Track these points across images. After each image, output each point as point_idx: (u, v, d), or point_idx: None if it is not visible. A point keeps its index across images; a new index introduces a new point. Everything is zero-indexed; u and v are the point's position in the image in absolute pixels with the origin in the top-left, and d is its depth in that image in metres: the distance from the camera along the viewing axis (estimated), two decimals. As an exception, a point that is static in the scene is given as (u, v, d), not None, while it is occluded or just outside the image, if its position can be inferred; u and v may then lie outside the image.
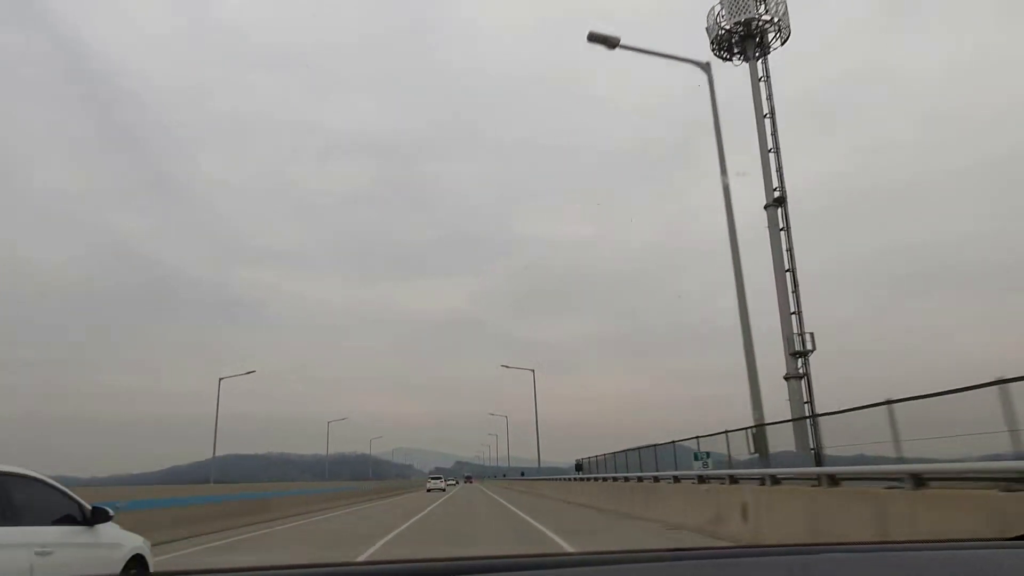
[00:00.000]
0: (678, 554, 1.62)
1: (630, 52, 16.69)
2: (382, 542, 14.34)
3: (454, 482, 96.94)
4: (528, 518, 20.97)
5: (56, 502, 5.87)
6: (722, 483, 14.72)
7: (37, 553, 5.16)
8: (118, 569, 6.29)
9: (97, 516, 6.19)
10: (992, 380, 7.57)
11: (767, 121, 28.98)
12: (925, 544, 1.68)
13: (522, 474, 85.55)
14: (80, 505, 6.10)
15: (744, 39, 30.30)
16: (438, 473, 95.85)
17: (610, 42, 16.13)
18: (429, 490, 58.37)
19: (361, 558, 11.75)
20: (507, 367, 54.92)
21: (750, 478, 13.57)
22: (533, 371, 54.41)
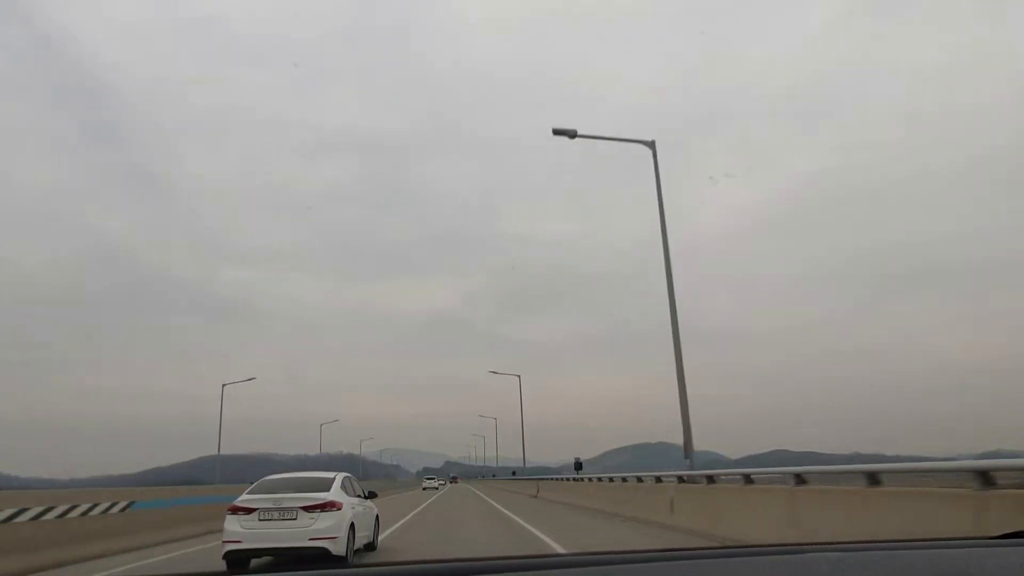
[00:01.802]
0: (672, 554, 1.68)
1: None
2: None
3: (443, 482, 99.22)
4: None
5: (358, 488, 12.87)
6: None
7: (364, 509, 12.62)
8: (373, 519, 13.38)
9: (370, 496, 13.44)
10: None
11: None
12: (912, 543, 1.75)
13: (513, 473, 75.74)
14: (363, 489, 13.25)
15: None
16: (428, 474, 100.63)
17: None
18: (424, 488, 69.54)
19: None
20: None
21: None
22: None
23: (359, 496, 12.59)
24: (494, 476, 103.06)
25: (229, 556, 10.53)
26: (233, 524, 10.67)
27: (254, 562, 10.83)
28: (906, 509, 8.45)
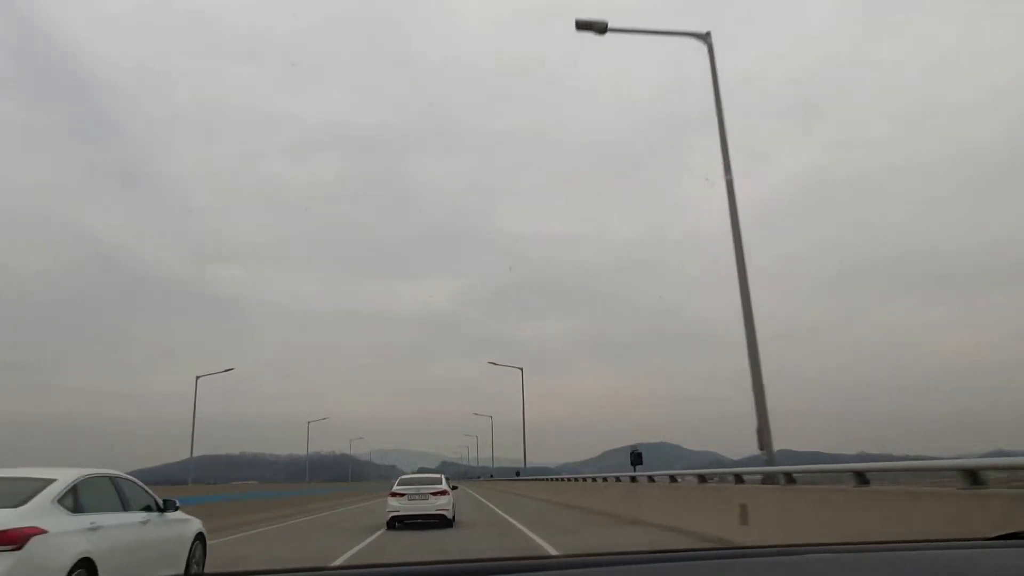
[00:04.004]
0: (667, 555, 1.69)
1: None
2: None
3: None
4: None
5: (141, 495, 8.79)
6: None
7: (141, 523, 8.31)
8: (190, 541, 9.42)
9: (167, 506, 9.02)
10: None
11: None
12: (909, 544, 1.77)
13: (517, 474, 66.64)
14: (155, 499, 8.94)
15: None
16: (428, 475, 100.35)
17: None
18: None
19: (338, 561, 11.82)
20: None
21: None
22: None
23: (454, 488, 20.97)
24: (492, 476, 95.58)
25: (391, 520, 18.58)
26: (393, 502, 18.74)
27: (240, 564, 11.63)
28: (890, 508, 8.66)
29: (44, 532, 6.60)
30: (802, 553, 1.71)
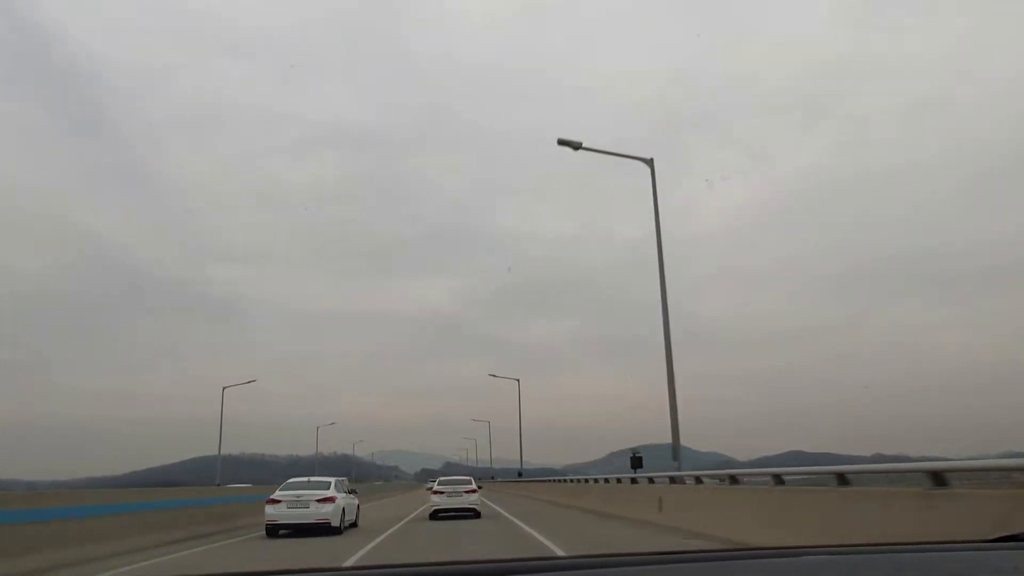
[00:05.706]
0: (667, 556, 1.74)
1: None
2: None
3: None
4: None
5: (345, 485, 20.32)
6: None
7: (350, 501, 20.30)
8: (356, 507, 21.01)
9: (353, 492, 21.08)
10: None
11: None
12: (910, 546, 1.81)
13: (519, 475, 67.12)
14: (350, 487, 21.01)
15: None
16: (430, 476, 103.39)
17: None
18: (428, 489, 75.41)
19: (348, 563, 11.90)
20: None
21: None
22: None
23: (479, 488, 24.49)
24: (520, 476, 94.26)
25: (433, 512, 22.81)
26: (435, 498, 22.89)
27: (239, 565, 12.83)
28: (862, 509, 9.16)
29: (337, 498, 18.16)
30: (802, 555, 1.74)
